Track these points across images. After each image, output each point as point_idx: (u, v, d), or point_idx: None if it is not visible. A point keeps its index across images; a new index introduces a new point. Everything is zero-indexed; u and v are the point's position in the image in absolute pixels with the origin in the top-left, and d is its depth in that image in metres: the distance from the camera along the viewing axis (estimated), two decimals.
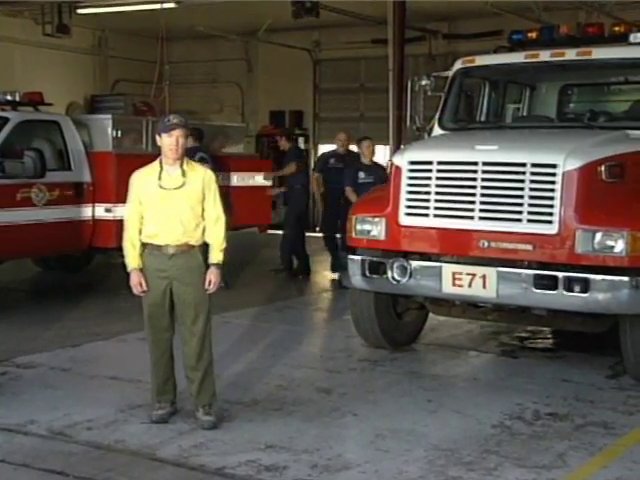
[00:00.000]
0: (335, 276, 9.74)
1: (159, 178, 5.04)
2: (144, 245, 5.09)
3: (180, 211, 5.03)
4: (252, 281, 10.61)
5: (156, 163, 5.12)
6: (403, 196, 6.35)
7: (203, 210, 5.09)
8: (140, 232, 5.08)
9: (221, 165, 9.46)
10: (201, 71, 19.56)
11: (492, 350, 7.26)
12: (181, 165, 5.06)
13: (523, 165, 5.93)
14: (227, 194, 7.84)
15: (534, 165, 5.91)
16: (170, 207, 5.02)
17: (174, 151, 5.00)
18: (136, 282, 5.07)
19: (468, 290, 6.09)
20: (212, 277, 5.07)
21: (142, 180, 5.12)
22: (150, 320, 5.16)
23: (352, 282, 6.65)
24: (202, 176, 5.12)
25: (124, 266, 5.16)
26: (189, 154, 5.54)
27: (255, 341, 7.37)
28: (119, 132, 9.34)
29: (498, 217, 5.97)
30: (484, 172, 6.04)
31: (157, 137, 5.10)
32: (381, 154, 14.90)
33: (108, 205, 9.05)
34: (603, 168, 5.95)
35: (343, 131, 11.58)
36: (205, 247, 5.16)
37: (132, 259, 5.09)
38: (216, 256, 5.10)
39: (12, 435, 4.95)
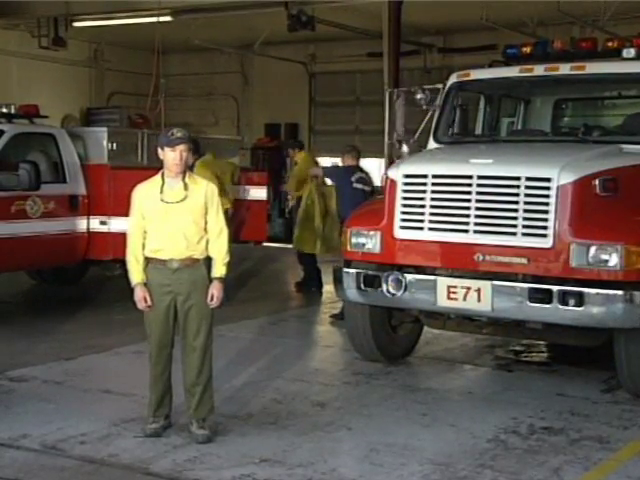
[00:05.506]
0: None
1: (161, 192, 4.99)
2: (147, 260, 5.03)
3: (183, 225, 4.98)
4: (247, 294, 10.59)
5: (158, 177, 5.06)
6: (398, 209, 6.36)
7: (206, 223, 5.06)
8: (143, 247, 5.04)
9: None
10: (197, 84, 19.64)
11: (487, 364, 7.25)
12: (183, 178, 5.02)
13: (518, 179, 5.95)
14: None
15: (529, 179, 5.93)
16: (173, 221, 4.98)
17: (178, 165, 4.95)
18: (141, 297, 5.01)
19: (463, 303, 6.09)
20: (215, 291, 5.02)
21: (144, 194, 5.06)
22: (153, 336, 5.11)
23: (347, 295, 6.65)
24: (204, 189, 5.06)
25: (127, 279, 5.11)
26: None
27: (250, 354, 7.35)
28: (114, 145, 9.33)
29: (493, 230, 5.98)
30: (479, 186, 6.04)
31: (160, 150, 5.03)
32: (376, 167, 14.96)
33: (103, 217, 9.04)
34: (597, 182, 5.97)
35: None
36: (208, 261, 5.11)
37: (136, 274, 5.04)
38: (219, 270, 5.05)
39: (4, 449, 4.91)
